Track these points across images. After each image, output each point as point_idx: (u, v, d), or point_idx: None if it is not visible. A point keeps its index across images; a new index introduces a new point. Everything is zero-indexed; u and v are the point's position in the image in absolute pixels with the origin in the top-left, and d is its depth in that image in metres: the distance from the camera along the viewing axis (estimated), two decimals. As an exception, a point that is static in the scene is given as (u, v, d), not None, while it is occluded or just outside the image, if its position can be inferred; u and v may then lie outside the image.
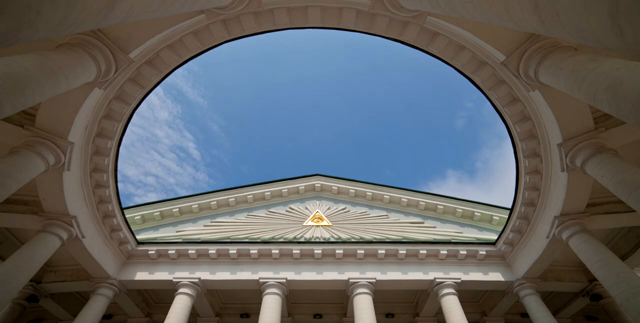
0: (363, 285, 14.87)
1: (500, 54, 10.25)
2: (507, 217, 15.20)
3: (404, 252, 15.59)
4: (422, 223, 18.65)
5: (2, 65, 6.52)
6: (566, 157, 11.01)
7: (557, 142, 11.06)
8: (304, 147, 66.22)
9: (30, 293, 14.68)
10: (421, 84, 61.09)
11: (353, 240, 17.06)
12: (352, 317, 14.57)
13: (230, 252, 15.50)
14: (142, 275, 15.11)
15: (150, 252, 15.40)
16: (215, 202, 18.78)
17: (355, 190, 20.05)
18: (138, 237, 16.13)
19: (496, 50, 10.21)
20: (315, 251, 15.60)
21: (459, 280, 15.12)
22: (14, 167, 9.22)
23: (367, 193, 19.86)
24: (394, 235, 17.57)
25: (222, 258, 15.67)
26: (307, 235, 17.50)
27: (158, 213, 17.95)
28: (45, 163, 10.20)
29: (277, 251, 15.56)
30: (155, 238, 17.03)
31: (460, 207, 18.69)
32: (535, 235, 13.96)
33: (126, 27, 9.66)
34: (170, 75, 11.54)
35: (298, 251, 15.63)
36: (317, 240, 17.11)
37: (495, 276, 15.42)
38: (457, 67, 11.65)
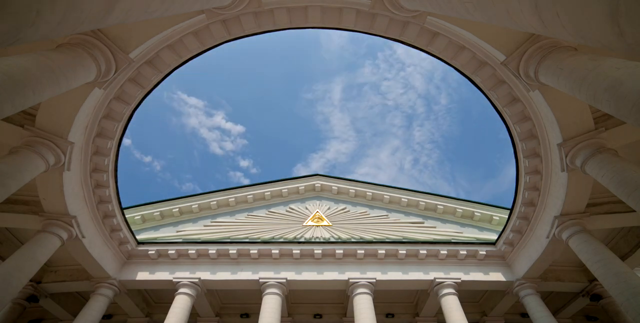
0: (363, 285, 14.86)
1: (500, 54, 10.24)
2: (507, 217, 15.20)
3: (404, 252, 15.59)
4: (422, 223, 18.65)
5: (2, 65, 6.50)
6: (566, 157, 10.99)
7: (557, 142, 11.05)
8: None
9: (30, 293, 14.67)
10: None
11: (353, 240, 17.05)
12: (352, 317, 14.55)
13: (230, 252, 15.49)
14: (142, 275, 15.11)
15: (150, 252, 15.39)
16: (215, 202, 18.77)
17: (355, 190, 20.04)
18: (138, 237, 16.12)
19: (496, 50, 10.20)
20: (316, 251, 15.59)
21: (459, 280, 15.12)
22: (14, 167, 9.21)
23: (367, 193, 19.85)
24: (394, 235, 17.56)
25: (222, 258, 15.66)
26: (307, 235, 17.49)
27: (158, 213, 17.95)
28: (45, 163, 10.19)
29: (277, 251, 15.56)
30: (155, 238, 17.03)
31: (460, 207, 18.68)
32: (535, 235, 13.95)
33: (126, 27, 9.65)
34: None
35: (298, 251, 15.62)
36: (317, 240, 17.11)
37: (496, 276, 15.41)
38: (457, 67, 11.64)
